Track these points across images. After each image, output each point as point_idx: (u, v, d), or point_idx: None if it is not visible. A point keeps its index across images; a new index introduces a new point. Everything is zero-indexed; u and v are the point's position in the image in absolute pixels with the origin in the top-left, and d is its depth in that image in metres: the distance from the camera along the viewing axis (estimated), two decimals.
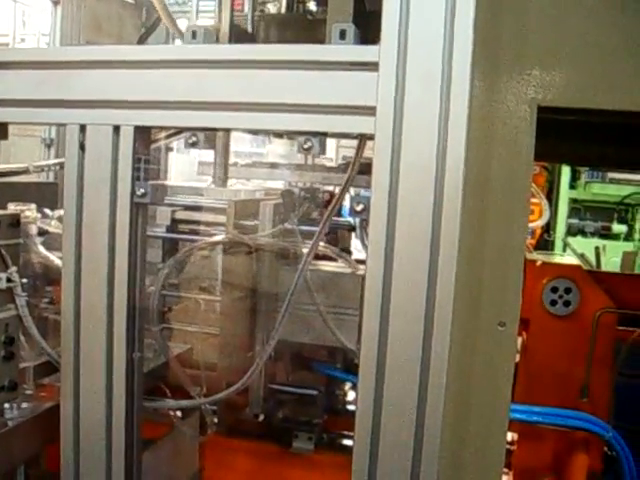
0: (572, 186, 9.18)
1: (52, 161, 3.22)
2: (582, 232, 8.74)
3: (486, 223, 1.62)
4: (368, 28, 1.63)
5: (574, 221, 8.87)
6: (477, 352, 1.65)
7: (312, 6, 2.93)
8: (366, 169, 1.57)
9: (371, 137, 1.53)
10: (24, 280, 2.05)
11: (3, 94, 1.77)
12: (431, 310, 1.51)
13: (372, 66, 1.50)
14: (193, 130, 1.71)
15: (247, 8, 2.88)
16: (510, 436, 3.06)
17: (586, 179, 9.16)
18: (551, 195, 8.80)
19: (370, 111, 1.51)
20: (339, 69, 1.54)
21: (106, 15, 4.65)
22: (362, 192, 1.72)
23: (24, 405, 2.02)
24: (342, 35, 1.55)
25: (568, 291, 2.88)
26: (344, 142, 4.11)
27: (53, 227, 2.33)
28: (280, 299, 2.34)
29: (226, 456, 2.84)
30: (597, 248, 6.23)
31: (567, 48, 1.57)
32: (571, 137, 2.47)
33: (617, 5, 1.55)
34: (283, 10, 3.07)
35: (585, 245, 7.24)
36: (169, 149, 5.37)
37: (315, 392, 2.78)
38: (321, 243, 2.43)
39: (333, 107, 1.56)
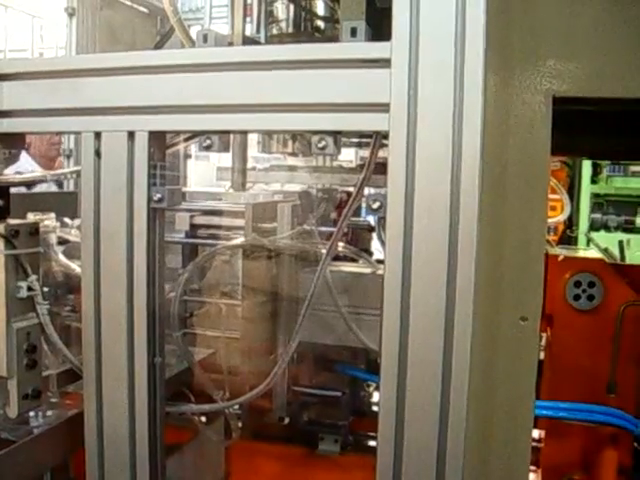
0: (594, 181, 9.08)
1: (68, 169, 3.24)
2: (605, 227, 8.64)
3: (505, 217, 1.61)
4: (379, 25, 1.62)
5: (597, 216, 8.76)
6: (499, 348, 1.64)
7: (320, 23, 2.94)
8: (385, 168, 1.56)
9: (386, 134, 1.52)
10: (46, 289, 2.06)
11: (18, 104, 1.79)
12: (451, 307, 1.49)
13: (384, 63, 1.49)
14: (207, 133, 1.72)
15: (256, 16, 2.89)
16: (537, 433, 3.03)
17: (608, 173, 9.07)
18: (573, 190, 8.70)
19: (384, 108, 1.50)
20: (351, 67, 1.53)
21: (121, 25, 4.69)
22: (383, 191, 1.71)
23: (49, 413, 2.04)
24: (353, 32, 1.54)
25: (591, 285, 2.84)
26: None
27: (73, 236, 2.34)
28: (301, 301, 2.33)
29: (252, 460, 2.84)
30: (621, 242, 6.15)
31: (581, 36, 1.55)
32: (590, 130, 2.44)
33: None
34: (290, 29, 3.07)
35: (609, 239, 7.15)
36: (187, 155, 5.40)
37: (340, 394, 2.78)
38: (340, 244, 2.42)
39: (346, 105, 1.55)
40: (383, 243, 1.60)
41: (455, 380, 1.51)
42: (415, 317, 1.52)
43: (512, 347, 1.64)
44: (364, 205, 1.91)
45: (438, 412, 1.53)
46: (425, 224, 1.49)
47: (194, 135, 1.82)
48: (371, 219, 2.70)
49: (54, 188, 4.24)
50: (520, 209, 1.61)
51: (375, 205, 1.55)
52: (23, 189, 2.86)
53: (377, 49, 1.51)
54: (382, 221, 1.59)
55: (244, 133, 2.45)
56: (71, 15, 4.62)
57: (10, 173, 2.05)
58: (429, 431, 1.54)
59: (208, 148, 1.71)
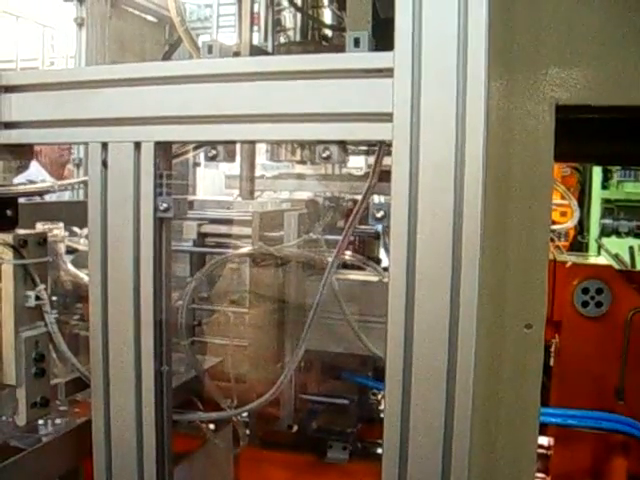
0: (604, 186, 9.05)
1: (76, 179, 3.26)
2: (616, 232, 8.58)
3: (508, 225, 1.61)
4: (382, 35, 1.63)
5: (608, 221, 8.71)
6: (504, 355, 1.64)
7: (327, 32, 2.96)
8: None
9: (390, 143, 1.53)
10: (54, 298, 2.08)
11: (26, 116, 1.81)
12: (456, 314, 1.49)
13: (387, 72, 1.50)
14: (213, 144, 1.73)
15: (264, 25, 2.91)
16: (547, 441, 3.02)
17: (618, 178, 9.04)
18: (583, 196, 8.68)
19: (387, 117, 1.50)
20: (354, 77, 1.54)
21: (130, 34, 4.73)
22: (387, 200, 1.72)
23: (58, 421, 2.05)
24: (356, 43, 1.55)
25: (599, 292, 2.84)
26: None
27: (82, 245, 2.36)
28: (308, 309, 2.34)
29: (260, 468, 2.85)
30: (631, 248, 6.12)
31: (583, 45, 1.56)
32: (599, 136, 2.44)
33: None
34: (298, 37, 3.09)
35: (620, 245, 7.10)
36: (196, 164, 5.43)
37: (347, 401, 2.78)
38: (347, 252, 2.43)
39: (350, 115, 1.56)
40: (388, 251, 1.60)
41: (460, 387, 1.51)
42: (420, 324, 1.52)
43: (517, 354, 1.64)
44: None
45: (443, 420, 1.53)
46: (429, 232, 1.49)
47: (200, 145, 1.83)
48: (380, 226, 2.71)
49: (69, 194, 4.27)
50: (524, 217, 1.61)
51: (379, 214, 1.56)
52: (36, 198, 2.89)
53: (380, 59, 1.51)
54: (387, 230, 1.60)
55: (249, 143, 2.47)
56: (80, 25, 4.66)
57: (21, 181, 2.08)
58: (434, 439, 1.54)
59: (213, 158, 1.72)
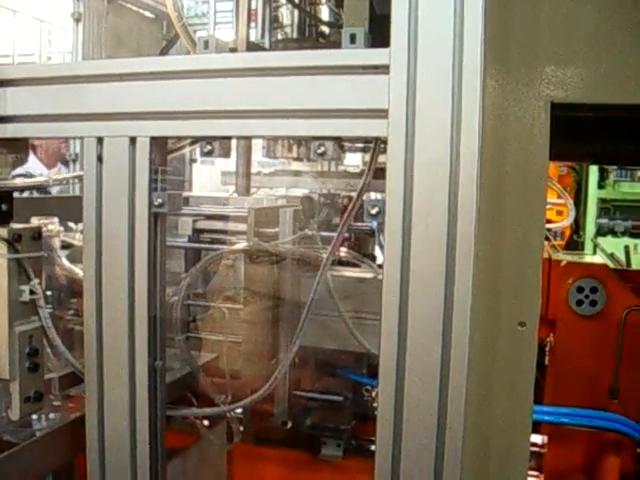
0: (600, 186, 9.09)
1: (71, 174, 3.26)
2: (612, 232, 8.62)
3: (503, 222, 1.62)
4: (379, 32, 1.63)
5: (604, 221, 8.74)
6: (497, 353, 1.64)
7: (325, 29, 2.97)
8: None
9: (385, 140, 1.53)
10: (49, 292, 2.08)
11: (21, 110, 1.81)
12: (449, 311, 1.50)
13: (383, 69, 1.50)
14: (208, 139, 1.73)
15: (261, 22, 2.91)
16: (540, 438, 3.03)
17: (614, 178, 9.06)
18: (580, 195, 8.70)
19: (383, 114, 1.50)
20: (350, 73, 1.54)
21: (127, 30, 4.73)
22: (382, 197, 1.71)
23: (51, 416, 2.05)
24: (352, 39, 1.55)
25: (594, 290, 2.85)
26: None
27: (77, 240, 2.35)
28: (303, 306, 2.35)
29: (254, 464, 2.85)
30: (627, 247, 6.12)
31: (579, 43, 1.56)
32: (595, 135, 2.44)
33: None
34: (295, 34, 3.10)
35: (615, 245, 7.12)
36: (193, 160, 5.43)
37: (341, 398, 2.78)
38: (343, 249, 2.43)
39: (346, 111, 1.56)
40: (381, 247, 1.60)
41: (453, 384, 1.51)
42: (414, 321, 1.52)
43: (510, 352, 1.64)
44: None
45: (436, 416, 1.53)
46: (423, 230, 1.49)
47: (196, 141, 1.83)
48: (375, 223, 2.71)
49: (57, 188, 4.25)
50: (518, 215, 1.61)
51: (374, 210, 1.56)
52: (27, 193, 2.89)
53: (376, 55, 1.51)
54: (381, 226, 1.60)
55: (245, 139, 2.47)
56: (77, 20, 4.66)
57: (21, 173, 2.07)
58: (427, 435, 1.54)
59: (209, 154, 1.72)
